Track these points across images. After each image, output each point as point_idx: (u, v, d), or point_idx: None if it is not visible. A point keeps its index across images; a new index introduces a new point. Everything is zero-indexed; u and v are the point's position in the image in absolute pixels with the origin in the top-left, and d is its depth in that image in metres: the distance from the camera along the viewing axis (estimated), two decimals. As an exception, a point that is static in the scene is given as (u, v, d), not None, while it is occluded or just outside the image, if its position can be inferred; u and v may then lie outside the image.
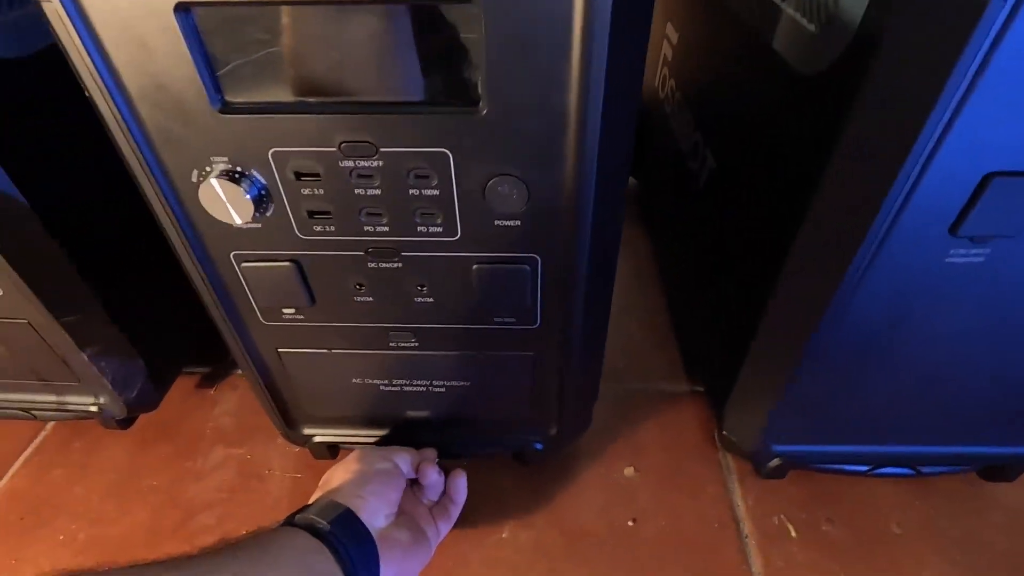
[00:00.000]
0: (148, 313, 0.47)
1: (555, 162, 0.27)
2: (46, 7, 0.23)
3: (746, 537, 0.44)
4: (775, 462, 0.43)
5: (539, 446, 0.44)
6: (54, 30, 0.23)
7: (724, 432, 0.45)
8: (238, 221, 0.28)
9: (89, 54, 0.24)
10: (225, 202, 0.28)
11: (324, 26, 0.24)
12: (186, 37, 0.23)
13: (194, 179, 0.28)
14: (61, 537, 0.45)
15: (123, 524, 0.46)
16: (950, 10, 0.21)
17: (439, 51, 0.25)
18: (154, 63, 0.24)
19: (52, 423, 0.53)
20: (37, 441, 0.52)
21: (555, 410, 0.41)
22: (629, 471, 0.49)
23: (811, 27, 0.29)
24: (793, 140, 0.32)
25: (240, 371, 0.57)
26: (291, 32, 0.24)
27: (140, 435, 0.52)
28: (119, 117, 0.26)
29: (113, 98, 0.25)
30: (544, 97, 0.24)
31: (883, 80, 0.24)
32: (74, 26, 0.23)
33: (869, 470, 0.42)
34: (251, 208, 0.28)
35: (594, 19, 0.22)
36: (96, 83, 0.25)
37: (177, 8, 0.23)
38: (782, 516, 0.45)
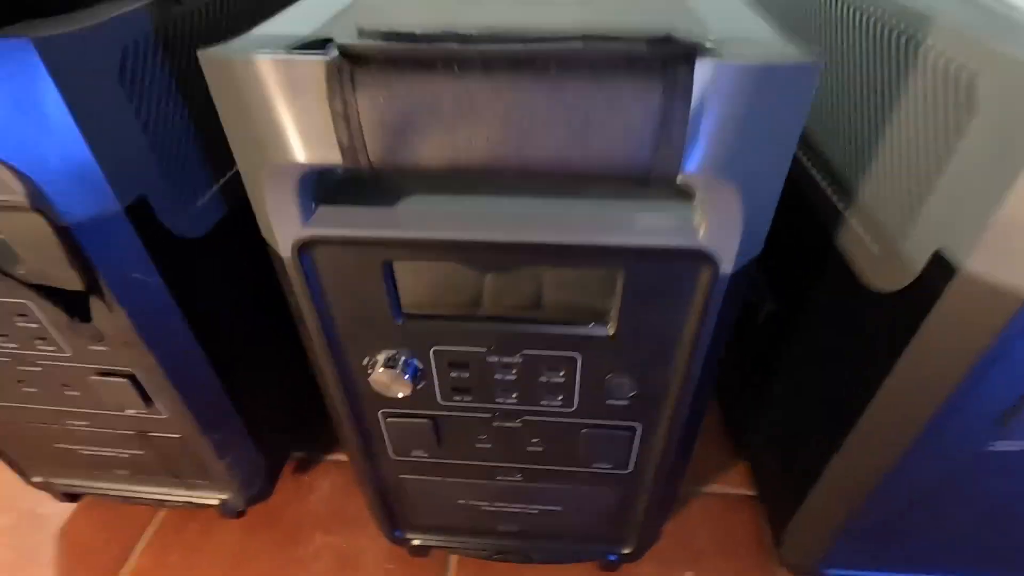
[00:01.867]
0: (271, 420, 0.53)
1: (664, 369, 0.33)
2: (284, 258, 0.29)
3: (801, 648, 0.48)
4: (828, 582, 0.47)
5: (614, 557, 0.49)
6: (288, 276, 0.30)
7: (782, 550, 0.49)
8: (399, 396, 0.34)
9: (311, 290, 0.30)
10: (390, 382, 0.34)
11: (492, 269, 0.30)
12: (385, 280, 0.30)
13: (365, 362, 0.35)
14: (186, 620, 0.51)
15: (240, 609, 0.52)
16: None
17: (580, 290, 0.31)
18: (356, 294, 0.31)
19: (164, 509, 0.60)
20: (155, 524, 0.58)
21: (633, 530, 0.46)
22: (689, 575, 0.53)
23: (874, 248, 0.35)
24: (865, 336, 0.37)
25: (331, 457, 0.63)
26: (466, 273, 0.30)
27: (246, 522, 0.58)
28: (317, 321, 0.32)
29: (317, 310, 0.32)
30: (663, 331, 0.30)
31: (942, 317, 0.30)
32: (305, 276, 0.29)
33: (915, 594, 0.47)
34: (411, 388, 0.34)
35: (713, 289, 0.28)
36: (308, 304, 0.31)
37: (384, 263, 0.29)
38: (834, 629, 0.49)
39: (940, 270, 0.29)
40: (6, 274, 0.34)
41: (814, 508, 0.45)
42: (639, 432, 0.37)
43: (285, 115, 0.22)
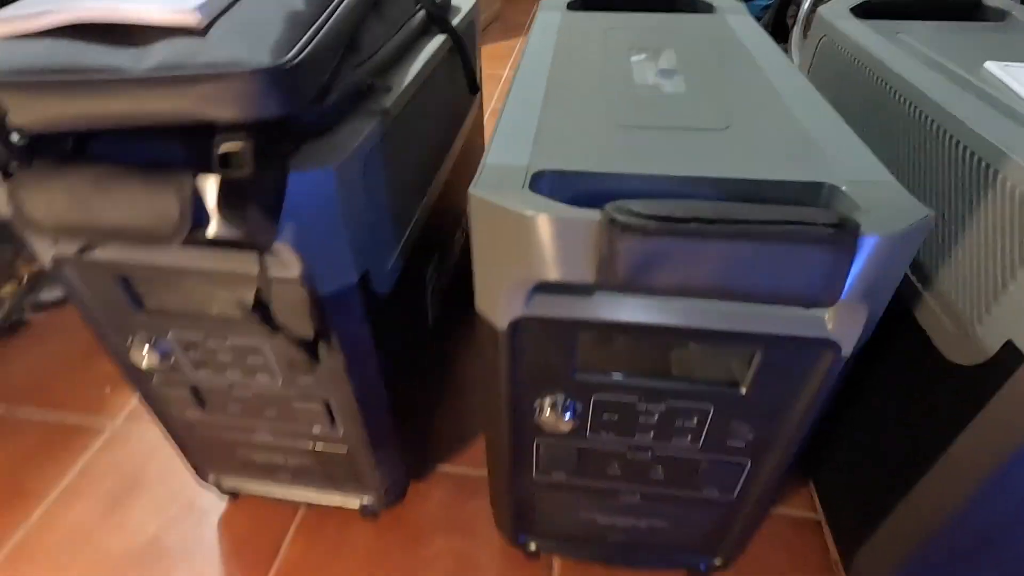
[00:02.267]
0: (413, 436, 0.63)
1: (780, 423, 0.41)
2: (500, 330, 0.39)
3: (864, 654, 0.56)
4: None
5: (704, 567, 0.57)
6: (498, 343, 0.39)
7: (851, 574, 0.57)
8: (565, 429, 0.44)
9: (512, 353, 0.39)
10: (554, 421, 0.43)
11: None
12: (571, 348, 0.39)
13: (535, 403, 0.44)
14: (336, 604, 0.61)
15: (380, 597, 0.61)
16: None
17: (724, 361, 0.40)
18: (545, 357, 0.40)
19: (305, 506, 0.70)
20: (296, 522, 0.68)
21: (726, 544, 0.55)
22: (763, 588, 0.61)
23: (950, 328, 0.43)
24: (942, 396, 0.45)
25: (442, 469, 0.73)
26: (636, 345, 0.40)
27: (376, 522, 0.68)
28: (508, 373, 0.41)
29: (511, 367, 0.41)
30: (786, 394, 0.39)
31: (1011, 394, 0.38)
32: (511, 343, 0.39)
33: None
34: (570, 426, 0.43)
35: (832, 367, 0.36)
36: (507, 362, 0.40)
37: (574, 336, 0.38)
38: (893, 639, 0.57)
39: (1011, 356, 0.37)
40: (264, 324, 0.44)
41: (884, 539, 0.53)
42: (748, 467, 0.45)
43: (547, 248, 0.31)
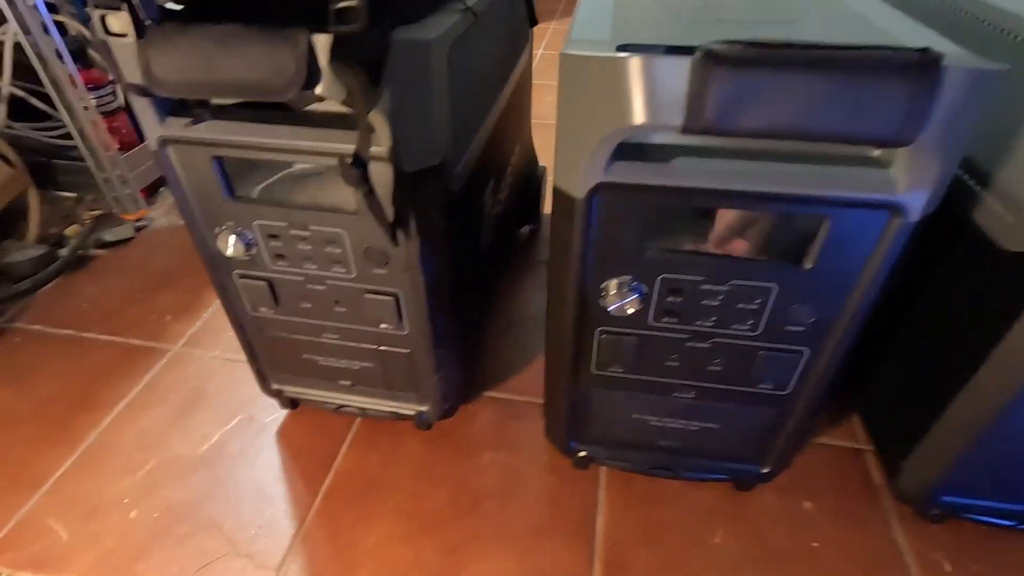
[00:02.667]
0: (471, 347, 0.66)
1: (842, 300, 0.43)
2: (576, 200, 0.41)
3: (908, 566, 0.57)
4: (938, 510, 0.56)
5: (750, 475, 0.59)
6: (574, 214, 0.42)
7: (899, 483, 0.58)
8: (628, 312, 0.46)
9: (586, 225, 0.42)
10: (623, 302, 0.45)
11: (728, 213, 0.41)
12: (644, 220, 0.41)
13: (602, 286, 0.46)
14: (391, 505, 0.63)
15: (432, 501, 0.64)
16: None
17: (790, 232, 0.42)
18: (618, 230, 0.42)
19: (359, 419, 0.73)
20: (352, 432, 0.71)
21: (773, 451, 0.56)
22: (808, 504, 0.63)
23: (1008, 218, 0.44)
24: (995, 287, 0.47)
25: (489, 393, 0.75)
26: (704, 220, 0.42)
27: (426, 437, 0.71)
28: (580, 249, 0.44)
29: (584, 241, 0.43)
30: (851, 268, 0.41)
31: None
32: (587, 214, 0.41)
33: (1015, 525, 0.55)
34: (638, 304, 0.45)
35: (898, 235, 0.38)
36: (580, 236, 0.43)
37: (648, 207, 0.41)
38: (938, 554, 0.58)
39: (1073, 230, 0.38)
40: (360, 181, 0.46)
41: (931, 447, 0.54)
42: (805, 356, 0.47)
43: (636, 95, 0.33)
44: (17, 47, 0.96)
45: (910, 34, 0.39)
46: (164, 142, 0.46)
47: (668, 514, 0.62)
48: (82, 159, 1.05)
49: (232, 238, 0.52)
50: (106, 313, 0.89)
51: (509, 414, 0.73)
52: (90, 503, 0.64)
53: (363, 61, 0.37)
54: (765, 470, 0.58)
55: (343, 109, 0.45)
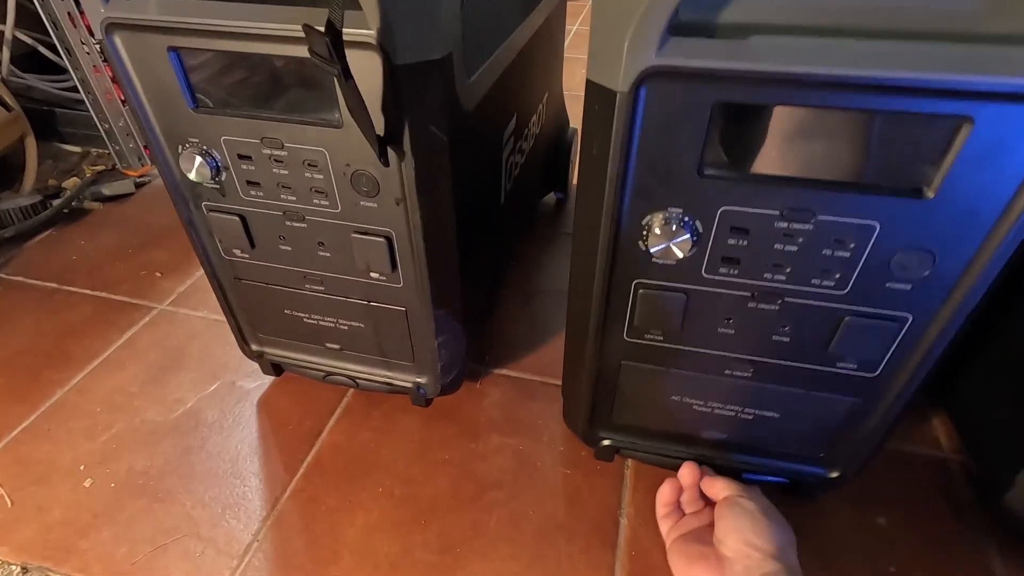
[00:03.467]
0: (475, 310, 0.56)
1: (969, 248, 0.32)
2: (619, 93, 0.31)
3: (1012, 604, 0.46)
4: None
5: (814, 479, 0.48)
6: (616, 113, 0.31)
7: (1003, 502, 0.47)
8: (679, 255, 0.35)
9: (630, 131, 0.32)
10: (670, 242, 0.35)
11: (816, 126, 0.31)
12: (708, 124, 0.31)
13: (644, 221, 0.36)
14: (380, 489, 0.54)
15: (429, 487, 0.54)
16: None
17: (903, 149, 0.31)
18: (671, 141, 0.32)
19: (351, 391, 0.64)
20: (342, 405, 0.62)
21: (847, 452, 0.45)
22: (882, 520, 0.51)
23: None
24: None
25: (499, 371, 0.66)
26: (785, 129, 0.31)
27: (426, 414, 0.61)
28: (620, 168, 0.34)
29: (625, 155, 0.33)
30: (987, 201, 0.30)
31: None
32: (632, 114, 0.31)
33: None
34: (690, 246, 0.35)
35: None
36: (620, 146, 0.33)
37: (714, 105, 0.30)
38: (1050, 590, 0.46)
39: None
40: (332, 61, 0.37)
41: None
42: (907, 324, 0.36)
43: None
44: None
45: None
46: (110, 27, 0.38)
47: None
48: (86, 110, 0.99)
49: (197, 159, 0.43)
50: (93, 267, 0.82)
51: (522, 395, 0.64)
52: (43, 467, 0.56)
53: None
54: (834, 474, 0.47)
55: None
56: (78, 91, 0.97)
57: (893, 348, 0.38)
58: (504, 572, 0.48)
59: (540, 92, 0.71)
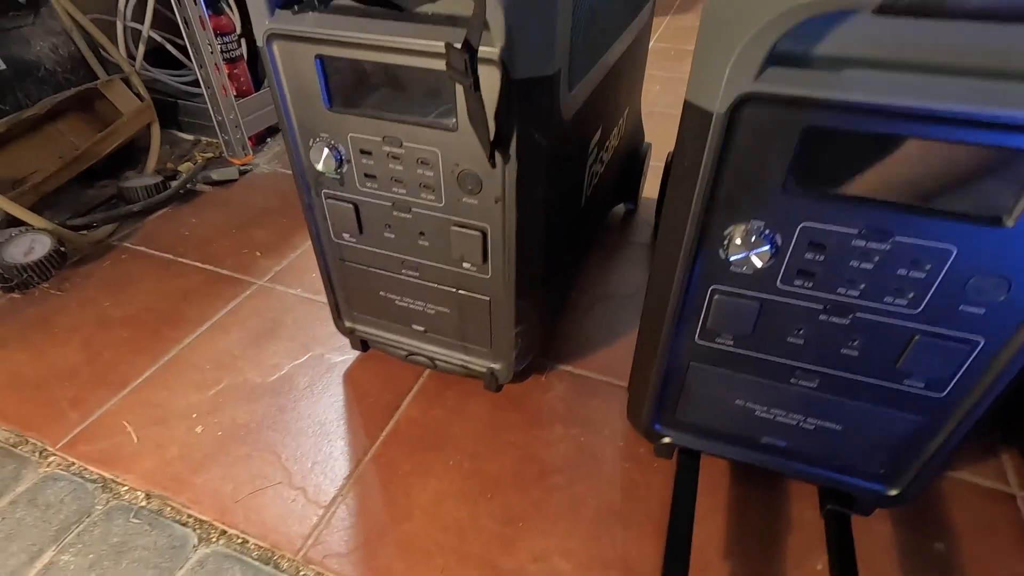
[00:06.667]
0: (552, 304, 0.60)
1: (1050, 273, 0.33)
2: (716, 114, 0.34)
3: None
4: None
5: (872, 495, 0.49)
6: (711, 131, 0.35)
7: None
8: (758, 265, 0.38)
9: (722, 147, 0.35)
10: (750, 253, 0.38)
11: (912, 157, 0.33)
12: (797, 146, 0.34)
13: (726, 231, 0.39)
14: (451, 462, 0.59)
15: (495, 464, 0.59)
16: None
17: (983, 175, 0.33)
18: (758, 159, 0.35)
19: (427, 372, 0.69)
20: (418, 385, 0.68)
21: (909, 470, 0.46)
22: (939, 546, 0.52)
23: None
24: None
25: (564, 367, 0.70)
26: (869, 153, 0.34)
27: (495, 399, 0.66)
28: (710, 179, 0.37)
29: (716, 168, 0.36)
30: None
31: None
32: (726, 132, 0.34)
33: None
34: (768, 257, 0.38)
35: None
36: (711, 161, 0.36)
37: (805, 129, 0.33)
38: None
39: None
40: (466, 70, 0.42)
41: None
42: (979, 348, 0.38)
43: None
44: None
45: None
46: (271, 37, 0.45)
47: (760, 526, 0.53)
48: (203, 102, 1.10)
49: (325, 151, 0.49)
50: (202, 242, 0.92)
51: (585, 391, 0.67)
52: (162, 411, 0.64)
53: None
54: (893, 492, 0.48)
55: (456, 10, 0.41)
56: (198, 85, 1.08)
57: (963, 370, 0.39)
58: (562, 547, 0.52)
59: (623, 106, 0.75)
